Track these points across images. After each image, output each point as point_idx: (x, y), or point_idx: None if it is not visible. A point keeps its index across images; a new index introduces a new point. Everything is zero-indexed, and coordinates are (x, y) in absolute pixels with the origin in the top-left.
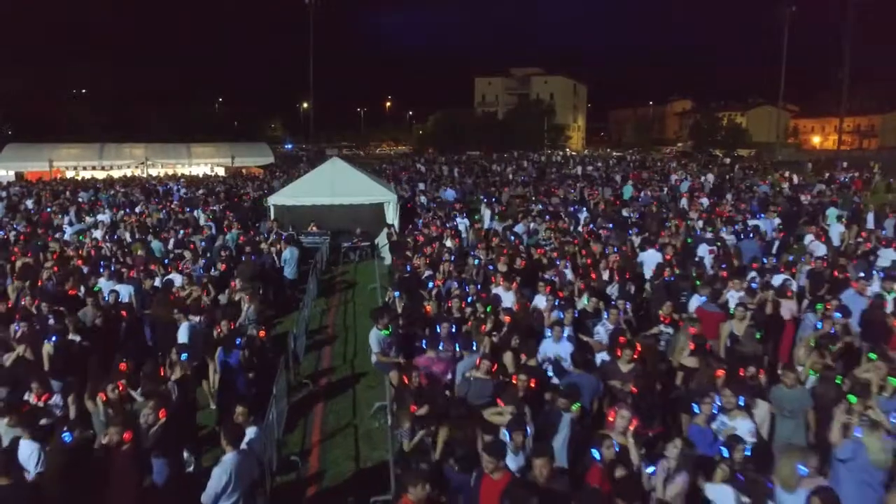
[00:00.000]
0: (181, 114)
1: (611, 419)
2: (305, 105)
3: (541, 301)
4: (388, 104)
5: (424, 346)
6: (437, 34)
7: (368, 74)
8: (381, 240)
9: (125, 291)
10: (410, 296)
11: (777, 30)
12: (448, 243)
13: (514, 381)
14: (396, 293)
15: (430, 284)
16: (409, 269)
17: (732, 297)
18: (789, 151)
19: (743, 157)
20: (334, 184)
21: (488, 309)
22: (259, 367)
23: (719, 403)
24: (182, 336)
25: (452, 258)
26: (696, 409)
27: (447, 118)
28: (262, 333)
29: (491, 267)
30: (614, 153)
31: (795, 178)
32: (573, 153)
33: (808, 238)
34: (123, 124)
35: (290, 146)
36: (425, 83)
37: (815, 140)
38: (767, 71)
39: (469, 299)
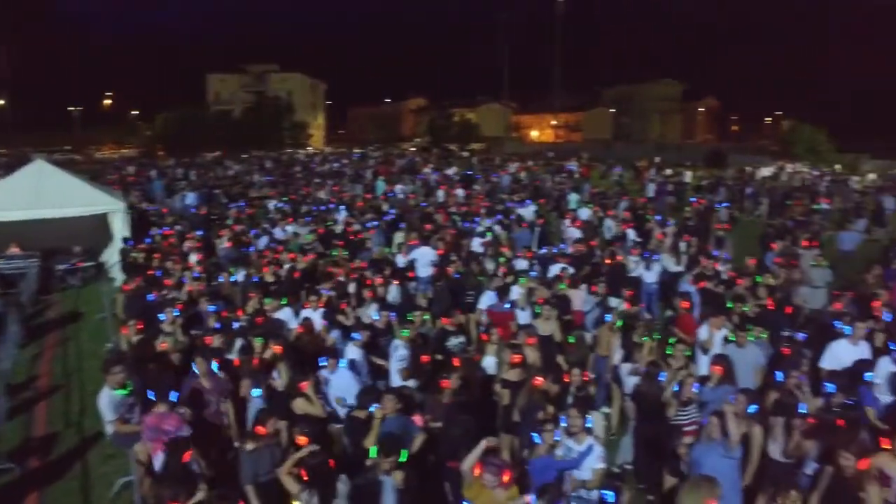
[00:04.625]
0: None
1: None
2: (2, 102)
3: (316, 320)
4: (108, 102)
5: (152, 397)
6: (163, 26)
7: (81, 70)
8: (111, 257)
9: None
10: (149, 326)
11: (497, 33)
12: (193, 258)
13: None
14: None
15: (172, 313)
16: (152, 297)
17: (517, 292)
18: (515, 145)
19: (476, 151)
20: (40, 192)
21: (259, 340)
22: None
23: (564, 424)
24: None
25: (197, 274)
26: (536, 439)
27: (178, 117)
28: None
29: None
30: (356, 150)
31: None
32: (315, 151)
33: (565, 224)
34: None
35: None
36: (150, 80)
37: (534, 134)
38: (490, 71)
39: (235, 325)
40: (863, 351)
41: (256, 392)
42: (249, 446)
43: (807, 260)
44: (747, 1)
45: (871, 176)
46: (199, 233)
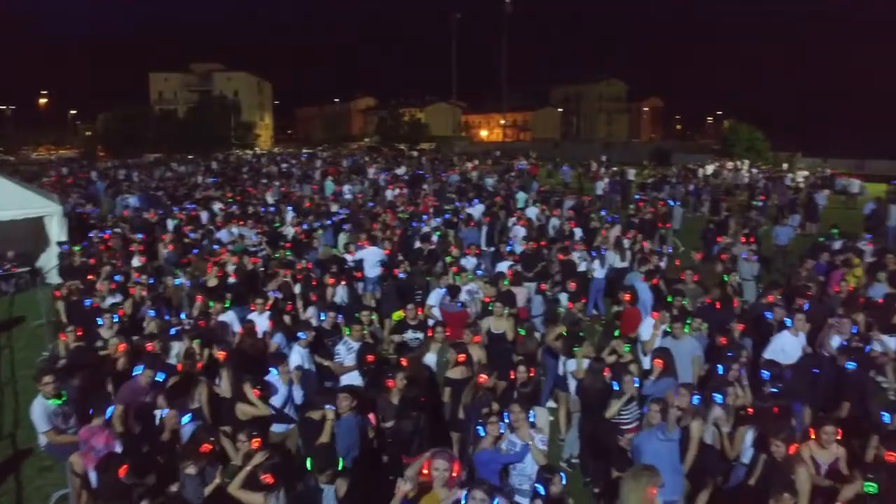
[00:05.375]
0: None
1: (425, 472)
2: None
3: (262, 323)
4: (44, 101)
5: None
6: (102, 23)
7: (14, 68)
8: (48, 262)
9: None
10: (88, 332)
11: (446, 35)
12: (136, 262)
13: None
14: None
15: (111, 318)
16: (88, 302)
17: (469, 290)
18: (464, 144)
19: (426, 150)
20: None
21: (196, 342)
22: None
23: (507, 421)
24: None
25: (151, 280)
26: (481, 432)
27: (120, 117)
28: None
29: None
30: (304, 150)
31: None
32: (263, 151)
33: (511, 222)
34: None
35: None
36: (90, 78)
37: (483, 133)
38: (439, 71)
39: (173, 330)
40: (802, 341)
41: (186, 419)
42: (192, 470)
43: (739, 253)
44: (689, 4)
45: (803, 173)
46: (140, 236)
